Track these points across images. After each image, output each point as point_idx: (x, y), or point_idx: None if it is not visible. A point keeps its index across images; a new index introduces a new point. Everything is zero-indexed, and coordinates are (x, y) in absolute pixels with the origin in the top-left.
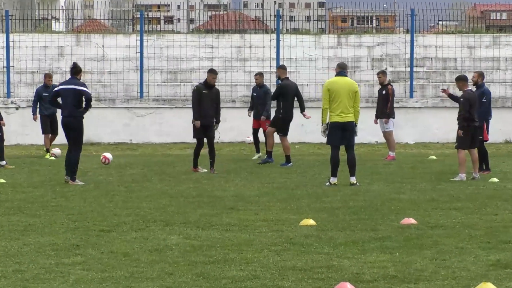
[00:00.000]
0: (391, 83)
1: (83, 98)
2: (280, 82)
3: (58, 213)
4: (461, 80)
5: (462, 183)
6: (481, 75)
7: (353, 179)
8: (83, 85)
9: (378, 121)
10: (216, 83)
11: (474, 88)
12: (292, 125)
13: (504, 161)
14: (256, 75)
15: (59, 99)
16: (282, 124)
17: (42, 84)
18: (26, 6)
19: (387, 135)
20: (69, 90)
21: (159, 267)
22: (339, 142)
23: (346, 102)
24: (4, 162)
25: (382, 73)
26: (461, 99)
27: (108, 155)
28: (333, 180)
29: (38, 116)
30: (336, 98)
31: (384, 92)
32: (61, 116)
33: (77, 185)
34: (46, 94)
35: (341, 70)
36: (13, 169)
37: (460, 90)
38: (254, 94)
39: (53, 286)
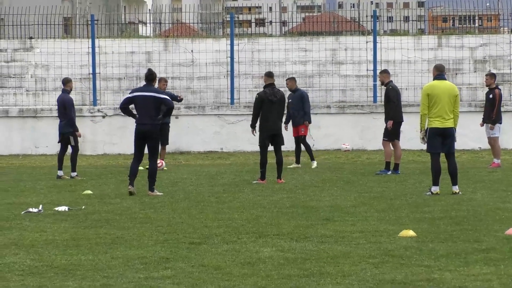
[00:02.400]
0: (499, 87)
1: (162, 107)
2: (387, 85)
3: (146, 225)
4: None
5: None
6: None
7: (455, 188)
8: (163, 92)
9: (484, 126)
10: (310, 88)
11: None
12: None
13: None
14: (286, 79)
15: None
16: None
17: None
18: (112, 10)
19: (492, 141)
20: (148, 97)
21: (252, 281)
22: (440, 149)
23: (446, 107)
24: (74, 174)
25: (490, 76)
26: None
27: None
28: (435, 189)
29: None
30: (436, 103)
31: (491, 96)
32: (136, 124)
33: (157, 195)
34: None
35: (440, 73)
36: (100, 180)
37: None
38: (289, 100)
39: None
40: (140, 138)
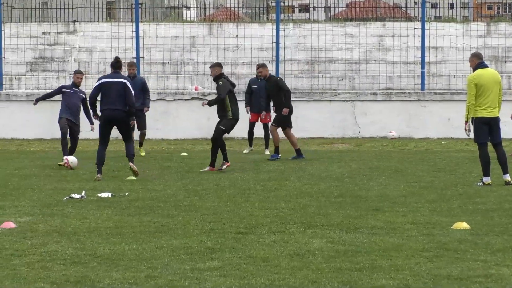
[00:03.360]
0: None
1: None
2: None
3: (191, 213)
4: None
5: None
6: None
7: (507, 177)
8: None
9: None
10: (356, 74)
11: None
12: (438, 119)
13: None
14: (259, 67)
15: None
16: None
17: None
18: None
19: None
20: (117, 83)
21: (301, 274)
22: (487, 139)
23: (494, 95)
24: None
25: None
26: None
27: (71, 159)
28: (486, 179)
29: None
30: (485, 92)
31: None
32: (104, 110)
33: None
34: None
35: (481, 61)
36: (144, 164)
37: None
38: (255, 86)
39: None
40: (108, 124)
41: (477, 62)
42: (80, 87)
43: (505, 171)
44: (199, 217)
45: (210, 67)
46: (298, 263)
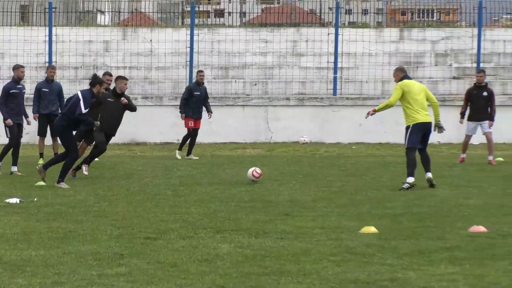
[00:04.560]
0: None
1: None
2: None
3: (101, 218)
4: None
5: None
6: None
7: (429, 175)
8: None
9: (473, 124)
10: (269, 79)
11: None
12: (349, 124)
13: None
14: (201, 72)
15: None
16: None
17: (44, 78)
18: None
19: (490, 135)
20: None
21: (209, 279)
22: (419, 145)
23: (423, 102)
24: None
25: (483, 73)
26: None
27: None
28: (410, 179)
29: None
30: (414, 99)
31: (485, 93)
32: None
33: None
34: (47, 90)
35: (406, 74)
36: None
37: None
38: (197, 93)
39: None
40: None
41: (402, 75)
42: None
43: (427, 170)
44: (108, 222)
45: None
46: (206, 268)
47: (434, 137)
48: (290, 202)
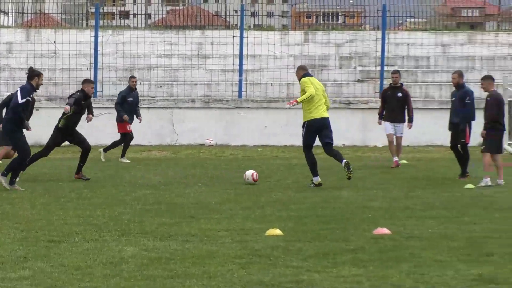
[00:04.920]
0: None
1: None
2: None
3: (3, 221)
4: (488, 79)
5: (437, 190)
6: (461, 75)
7: (344, 161)
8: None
9: (390, 124)
10: (175, 81)
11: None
12: (254, 127)
13: (479, 166)
14: (133, 77)
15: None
16: None
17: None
18: None
19: (400, 140)
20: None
21: (114, 282)
22: (314, 141)
23: (321, 100)
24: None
25: (398, 73)
26: (488, 99)
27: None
28: (316, 179)
29: None
30: (315, 96)
31: (400, 94)
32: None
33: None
34: None
35: (307, 71)
36: None
37: (485, 91)
38: (130, 99)
39: None
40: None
41: (303, 73)
42: None
43: (340, 160)
44: (11, 225)
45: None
46: (111, 271)
47: (339, 140)
48: (195, 205)
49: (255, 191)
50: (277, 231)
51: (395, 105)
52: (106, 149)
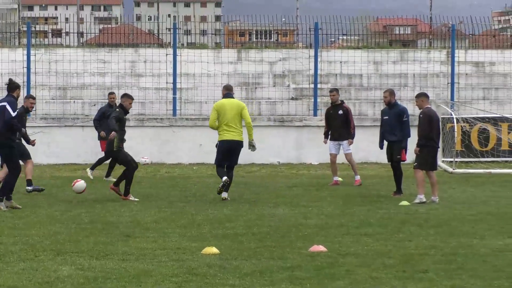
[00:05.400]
0: (344, 102)
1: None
2: None
3: None
4: (422, 96)
5: (372, 206)
6: (392, 93)
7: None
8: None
9: (333, 143)
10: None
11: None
12: (190, 145)
13: (413, 183)
14: (111, 94)
15: None
16: None
17: None
18: None
19: (349, 157)
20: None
21: None
22: (226, 161)
23: (233, 121)
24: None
25: (336, 91)
26: (421, 115)
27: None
28: (224, 194)
29: None
30: (224, 118)
31: (340, 112)
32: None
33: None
34: None
35: (228, 91)
36: None
37: (420, 108)
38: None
39: None
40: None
41: (225, 92)
42: None
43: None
44: None
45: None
46: None
47: (274, 158)
48: (131, 223)
49: (191, 210)
50: (214, 249)
51: (337, 123)
52: (93, 167)
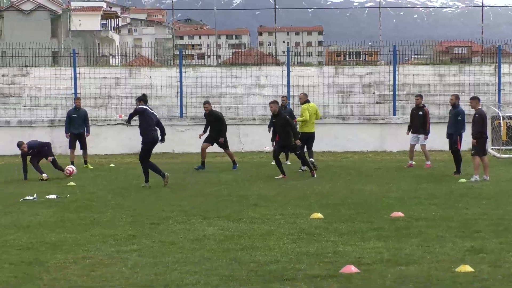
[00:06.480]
0: (425, 105)
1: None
2: None
3: (117, 209)
4: (475, 99)
5: (438, 183)
6: (457, 97)
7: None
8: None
9: (411, 134)
10: (240, 105)
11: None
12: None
13: (469, 165)
14: (283, 97)
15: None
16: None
17: (73, 107)
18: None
19: (423, 147)
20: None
21: (199, 253)
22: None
23: (312, 118)
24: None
25: (420, 97)
26: (476, 115)
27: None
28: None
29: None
30: (311, 116)
31: (421, 113)
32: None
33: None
34: (76, 115)
35: (307, 98)
36: (81, 174)
37: (473, 108)
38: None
39: (115, 270)
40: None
41: (305, 98)
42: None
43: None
44: (123, 212)
45: (270, 103)
46: (197, 245)
47: (363, 147)
48: (257, 196)
49: (301, 186)
50: (319, 215)
51: (418, 121)
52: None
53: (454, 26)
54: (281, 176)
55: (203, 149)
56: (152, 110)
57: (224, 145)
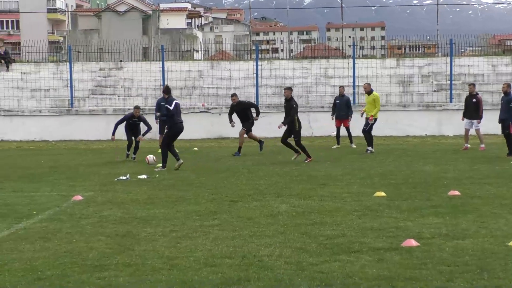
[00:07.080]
0: (478, 93)
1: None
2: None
3: (200, 188)
4: None
5: (491, 164)
6: (509, 85)
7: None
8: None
9: (467, 121)
10: (310, 94)
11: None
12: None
13: None
14: (341, 87)
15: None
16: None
17: (161, 96)
18: (175, 42)
19: (478, 131)
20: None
21: (273, 228)
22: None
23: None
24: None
25: (473, 85)
26: None
27: (150, 157)
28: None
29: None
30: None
31: (474, 100)
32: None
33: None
34: (164, 103)
35: (371, 88)
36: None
37: None
38: (337, 101)
39: (198, 242)
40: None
41: (369, 88)
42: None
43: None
44: (205, 190)
45: (284, 89)
46: (271, 220)
47: (422, 131)
48: (325, 176)
49: (366, 167)
50: (382, 193)
51: (471, 107)
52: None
53: (506, 20)
54: (295, 155)
55: (241, 135)
56: (170, 102)
57: (249, 129)
